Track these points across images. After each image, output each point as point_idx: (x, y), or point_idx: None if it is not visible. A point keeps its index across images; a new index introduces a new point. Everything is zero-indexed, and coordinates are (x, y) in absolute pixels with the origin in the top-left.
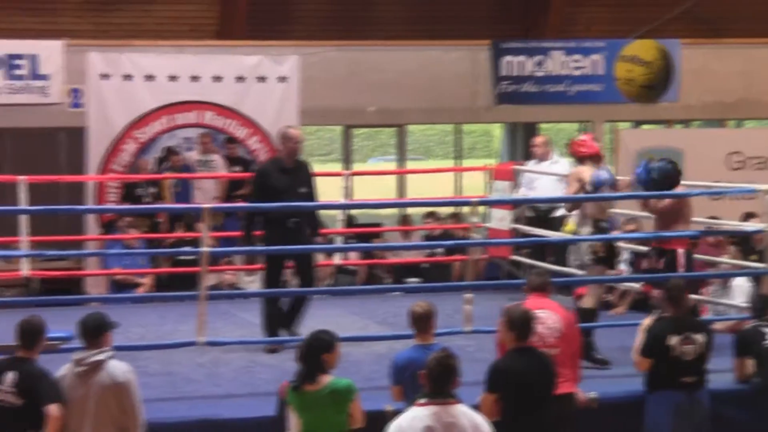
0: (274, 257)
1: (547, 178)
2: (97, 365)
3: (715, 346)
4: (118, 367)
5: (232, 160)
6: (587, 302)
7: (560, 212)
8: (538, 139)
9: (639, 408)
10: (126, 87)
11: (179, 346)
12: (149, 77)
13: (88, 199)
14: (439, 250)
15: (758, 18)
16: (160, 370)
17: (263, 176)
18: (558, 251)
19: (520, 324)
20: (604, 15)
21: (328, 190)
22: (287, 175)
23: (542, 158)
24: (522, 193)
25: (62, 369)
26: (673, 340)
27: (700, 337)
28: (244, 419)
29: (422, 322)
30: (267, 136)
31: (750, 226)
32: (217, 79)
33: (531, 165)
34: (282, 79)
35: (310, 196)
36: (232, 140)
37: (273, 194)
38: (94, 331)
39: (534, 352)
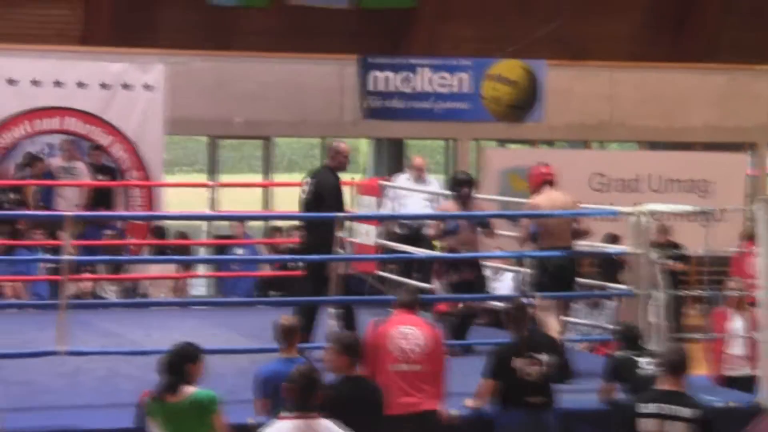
0: (323, 267)
1: (418, 196)
2: None
3: (578, 365)
4: None
5: (96, 168)
6: None
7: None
8: (419, 161)
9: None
10: None
11: (39, 356)
12: (11, 81)
13: None
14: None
15: (622, 41)
16: (19, 379)
17: (336, 187)
18: (424, 268)
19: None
20: (472, 34)
21: (193, 201)
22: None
23: (418, 179)
24: (390, 209)
25: None
26: (518, 362)
27: (546, 358)
28: (104, 430)
29: (289, 336)
30: (131, 144)
31: (613, 248)
32: (81, 85)
33: (404, 181)
34: (147, 87)
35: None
36: (96, 148)
37: (340, 205)
38: None
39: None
